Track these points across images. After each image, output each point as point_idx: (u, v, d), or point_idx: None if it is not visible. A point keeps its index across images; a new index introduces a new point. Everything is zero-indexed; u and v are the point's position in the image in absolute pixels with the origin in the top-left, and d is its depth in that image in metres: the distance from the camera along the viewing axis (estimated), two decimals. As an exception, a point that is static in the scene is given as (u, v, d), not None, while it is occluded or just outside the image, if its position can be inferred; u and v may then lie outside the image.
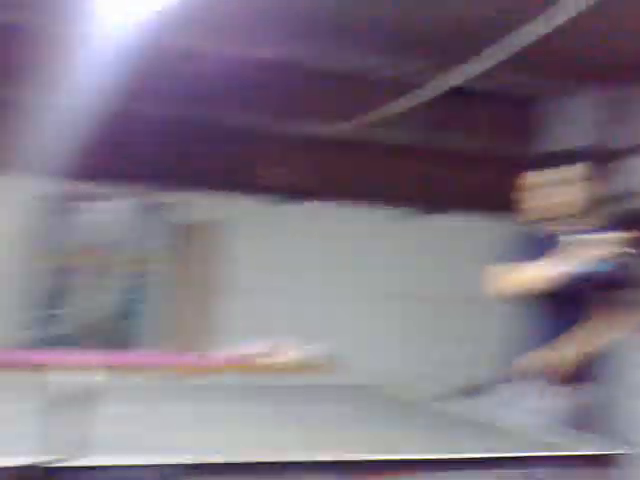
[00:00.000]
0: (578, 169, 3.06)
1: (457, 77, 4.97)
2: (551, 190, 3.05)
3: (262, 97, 6.10)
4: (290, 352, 4.61)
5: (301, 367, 4.52)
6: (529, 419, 2.85)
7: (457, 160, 6.89)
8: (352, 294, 6.71)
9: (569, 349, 3.16)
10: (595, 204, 2.99)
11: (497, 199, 6.95)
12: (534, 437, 2.46)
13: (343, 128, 6.12)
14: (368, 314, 6.69)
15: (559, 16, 3.88)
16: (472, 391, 6.13)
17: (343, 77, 6.25)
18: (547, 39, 5.19)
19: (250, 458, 1.84)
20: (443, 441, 2.38)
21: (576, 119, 6.86)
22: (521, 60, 6.37)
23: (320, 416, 2.76)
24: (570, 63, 6.32)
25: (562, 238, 2.93)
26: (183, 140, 6.27)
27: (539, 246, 3.07)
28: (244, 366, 4.53)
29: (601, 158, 3.22)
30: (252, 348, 4.67)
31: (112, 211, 6.37)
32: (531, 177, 3.14)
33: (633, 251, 2.67)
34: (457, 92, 6.27)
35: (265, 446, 2.08)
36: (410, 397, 3.61)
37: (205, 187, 6.34)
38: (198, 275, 6.42)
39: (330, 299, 6.60)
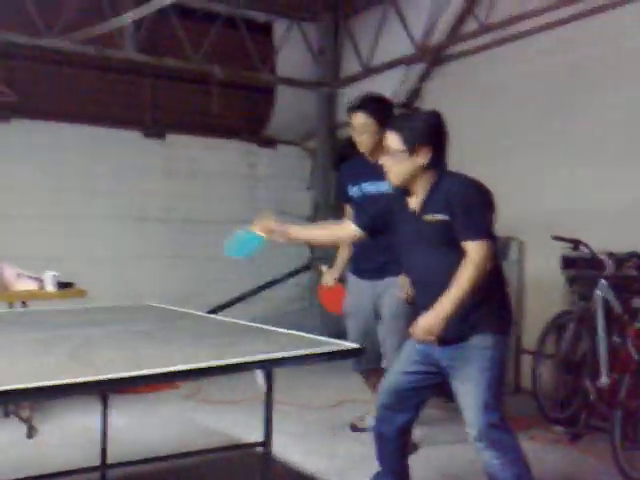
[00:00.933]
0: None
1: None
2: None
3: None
4: (33, 279, 4.47)
5: (50, 293, 4.43)
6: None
7: (190, 83, 7.00)
8: (93, 217, 6.54)
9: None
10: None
11: (237, 124, 7.38)
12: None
13: (64, 43, 5.82)
14: (107, 237, 6.62)
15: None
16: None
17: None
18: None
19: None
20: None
21: (306, 46, 7.39)
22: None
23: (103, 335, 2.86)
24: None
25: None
26: None
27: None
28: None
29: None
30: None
31: None
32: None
33: None
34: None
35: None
36: (183, 311, 3.78)
37: None
38: None
39: (68, 222, 6.38)
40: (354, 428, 4.38)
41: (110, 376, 2.07)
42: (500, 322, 2.78)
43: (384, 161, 2.84)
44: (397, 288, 3.86)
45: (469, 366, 2.71)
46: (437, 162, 2.77)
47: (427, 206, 2.75)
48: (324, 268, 4.40)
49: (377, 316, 4.05)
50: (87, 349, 2.49)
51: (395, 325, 3.91)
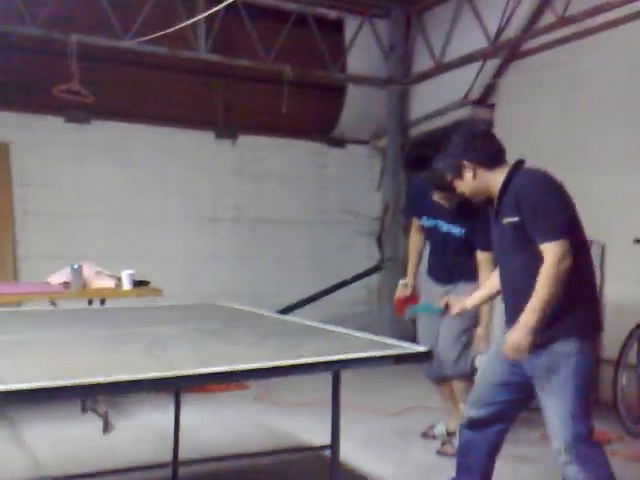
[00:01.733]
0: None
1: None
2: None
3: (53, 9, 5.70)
4: (111, 277, 4.58)
5: (126, 291, 4.53)
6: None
7: (261, 83, 7.03)
8: (166, 217, 6.65)
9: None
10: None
11: (307, 124, 7.38)
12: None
13: (144, 46, 5.96)
14: (180, 236, 6.72)
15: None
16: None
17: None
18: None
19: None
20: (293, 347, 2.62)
21: (377, 43, 7.29)
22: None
23: (171, 334, 2.87)
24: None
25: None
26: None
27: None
28: (56, 294, 4.43)
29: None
30: (61, 276, 4.56)
31: None
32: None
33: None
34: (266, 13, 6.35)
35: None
36: (251, 311, 3.76)
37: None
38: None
39: (143, 222, 6.51)
40: (425, 435, 4.28)
41: (184, 372, 2.08)
42: (585, 326, 2.62)
43: (459, 190, 2.86)
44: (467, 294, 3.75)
45: (553, 375, 2.56)
46: (491, 166, 2.69)
47: (502, 209, 2.66)
48: (401, 282, 4.28)
49: None
50: (159, 346, 2.51)
51: (451, 325, 3.86)
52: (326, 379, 2.62)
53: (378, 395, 5.29)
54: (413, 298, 4.18)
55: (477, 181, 2.72)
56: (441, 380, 4.13)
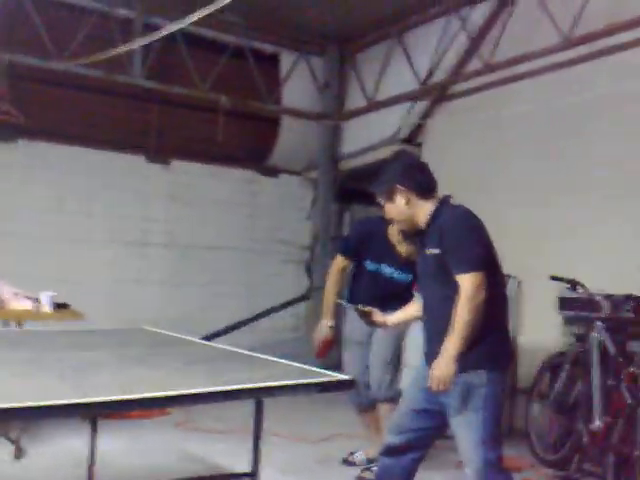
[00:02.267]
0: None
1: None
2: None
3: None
4: (30, 298, 4.47)
5: (46, 314, 4.42)
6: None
7: (197, 110, 7.08)
8: (92, 240, 6.57)
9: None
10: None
11: (241, 152, 7.45)
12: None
13: (72, 66, 5.92)
14: (106, 260, 6.64)
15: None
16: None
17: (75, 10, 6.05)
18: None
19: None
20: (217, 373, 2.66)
21: (312, 79, 7.49)
22: (261, 17, 6.78)
23: (93, 359, 2.84)
24: (308, 25, 6.89)
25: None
26: None
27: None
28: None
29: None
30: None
31: None
32: None
33: None
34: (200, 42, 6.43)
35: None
36: (177, 337, 3.77)
37: None
38: None
39: (67, 244, 6.40)
40: (345, 462, 4.34)
41: (98, 399, 2.06)
42: (496, 358, 2.75)
43: (387, 214, 2.92)
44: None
45: (465, 404, 2.68)
46: (423, 196, 2.81)
47: (426, 240, 2.79)
48: (327, 323, 4.17)
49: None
50: (78, 372, 2.48)
51: (379, 352, 3.97)
52: (250, 406, 2.65)
53: (302, 422, 5.34)
54: (333, 340, 4.20)
55: (408, 208, 2.82)
56: (365, 408, 4.20)
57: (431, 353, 2.74)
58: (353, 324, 4.09)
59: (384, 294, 3.91)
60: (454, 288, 2.64)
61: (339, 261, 4.23)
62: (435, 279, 2.76)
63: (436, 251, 2.71)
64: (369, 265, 4.09)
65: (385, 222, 3.81)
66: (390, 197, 2.85)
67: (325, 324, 4.14)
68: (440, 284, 2.73)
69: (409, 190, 2.81)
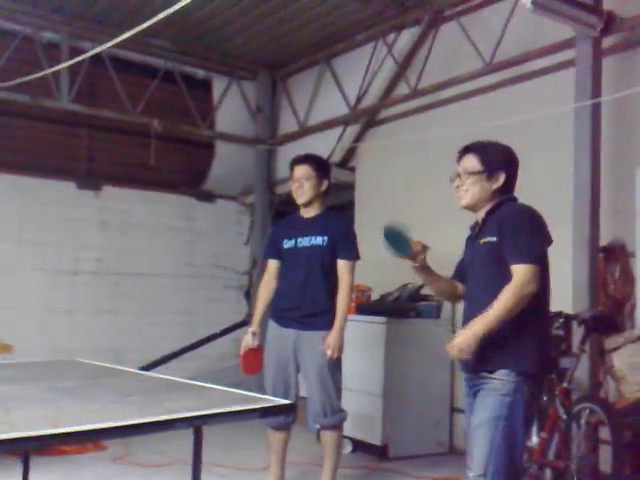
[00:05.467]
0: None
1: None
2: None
3: None
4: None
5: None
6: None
7: (128, 135, 6.98)
8: (20, 268, 6.34)
9: None
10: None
11: (175, 177, 7.37)
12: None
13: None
14: (35, 289, 6.42)
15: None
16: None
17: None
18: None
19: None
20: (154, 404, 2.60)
21: (245, 104, 7.51)
22: (191, 43, 6.78)
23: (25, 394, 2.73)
24: (238, 50, 6.92)
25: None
26: None
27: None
28: None
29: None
30: None
31: None
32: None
33: None
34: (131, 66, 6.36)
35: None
36: (111, 368, 3.65)
37: None
38: None
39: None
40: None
41: (26, 434, 1.97)
42: (528, 361, 2.63)
43: (460, 181, 2.82)
44: (320, 342, 3.84)
45: (485, 408, 2.61)
46: (506, 190, 2.81)
47: (483, 229, 2.78)
48: (249, 329, 4.09)
49: (298, 368, 3.99)
50: (4, 406, 2.38)
51: (314, 372, 3.85)
52: (190, 437, 2.60)
53: (245, 451, 5.24)
54: (260, 350, 4.04)
55: (490, 192, 2.77)
56: (283, 428, 4.02)
57: None
58: (274, 340, 3.97)
59: (307, 269, 3.92)
60: (503, 280, 2.58)
61: (269, 265, 4.19)
62: (484, 269, 2.72)
63: (493, 239, 2.68)
64: (286, 244, 4.04)
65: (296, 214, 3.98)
66: (489, 173, 2.76)
67: (250, 329, 4.02)
68: (489, 276, 2.69)
69: (505, 181, 2.78)
